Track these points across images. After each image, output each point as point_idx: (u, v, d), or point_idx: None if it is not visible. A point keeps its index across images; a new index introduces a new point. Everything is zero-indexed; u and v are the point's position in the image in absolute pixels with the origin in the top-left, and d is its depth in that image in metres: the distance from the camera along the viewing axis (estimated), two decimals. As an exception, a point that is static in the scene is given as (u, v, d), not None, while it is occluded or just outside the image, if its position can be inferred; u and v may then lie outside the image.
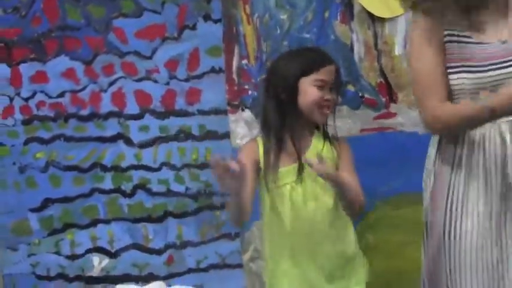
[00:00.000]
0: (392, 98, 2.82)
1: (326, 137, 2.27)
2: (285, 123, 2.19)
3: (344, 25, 2.80)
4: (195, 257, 2.91)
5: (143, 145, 2.86)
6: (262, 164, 2.20)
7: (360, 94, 2.84)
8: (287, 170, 2.21)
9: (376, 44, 2.82)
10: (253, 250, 2.86)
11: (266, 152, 2.19)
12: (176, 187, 2.88)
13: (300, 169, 2.18)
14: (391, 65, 2.82)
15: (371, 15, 2.80)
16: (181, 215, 2.91)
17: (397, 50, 2.81)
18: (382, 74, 2.83)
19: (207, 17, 2.78)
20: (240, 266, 2.88)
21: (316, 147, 2.22)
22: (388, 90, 2.83)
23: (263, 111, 2.26)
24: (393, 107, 2.84)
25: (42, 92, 2.82)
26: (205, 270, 2.90)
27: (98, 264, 2.88)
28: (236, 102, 2.85)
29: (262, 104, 2.28)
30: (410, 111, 2.79)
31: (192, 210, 2.90)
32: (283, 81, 2.19)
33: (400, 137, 2.83)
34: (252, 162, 2.18)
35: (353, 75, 2.83)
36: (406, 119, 2.81)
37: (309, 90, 2.17)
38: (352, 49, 2.83)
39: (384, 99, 2.83)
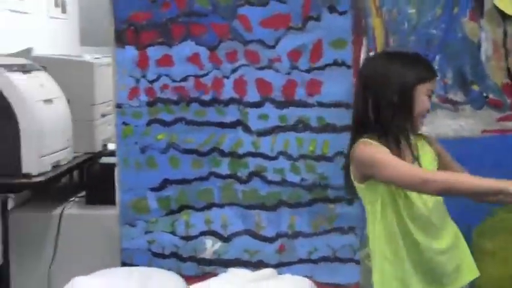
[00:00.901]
0: (517, 100, 2.72)
1: (423, 138, 2.36)
2: (401, 128, 2.21)
3: (473, 22, 2.72)
4: (306, 247, 2.91)
5: (261, 133, 2.89)
6: None
7: (485, 94, 2.76)
8: None
9: (504, 43, 2.73)
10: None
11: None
12: (291, 177, 2.90)
13: None
14: (520, 65, 2.72)
15: (502, 13, 2.70)
16: (294, 205, 2.90)
17: (528, 51, 2.69)
18: (509, 74, 2.73)
19: (332, 9, 2.76)
20: (351, 260, 2.85)
21: (422, 149, 2.31)
22: (515, 92, 2.72)
23: (374, 113, 2.24)
24: (518, 109, 2.72)
25: (167, 75, 2.89)
26: (315, 261, 2.90)
27: (211, 247, 2.93)
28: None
29: (366, 105, 2.27)
30: (536, 114, 2.68)
31: (306, 202, 2.90)
32: (399, 85, 2.19)
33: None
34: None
35: (478, 74, 2.77)
36: (530, 122, 2.70)
37: (422, 99, 2.21)
38: (479, 47, 2.73)
39: (509, 101, 2.73)
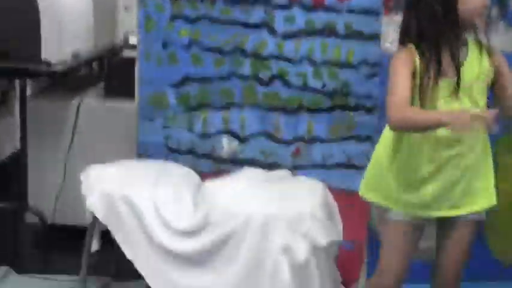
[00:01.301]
0: None
1: (481, 47, 2.16)
2: (443, 33, 2.09)
3: None
4: (322, 153, 2.91)
5: (286, 36, 2.86)
6: (418, 75, 2.10)
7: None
8: (443, 84, 2.11)
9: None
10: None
11: (424, 64, 2.10)
12: (313, 82, 2.89)
13: (458, 84, 2.10)
14: None
15: None
16: (314, 111, 2.89)
17: None
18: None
19: None
20: (365, 168, 2.84)
21: (473, 59, 2.15)
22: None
23: (416, 20, 2.14)
24: None
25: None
26: (329, 167, 2.92)
27: (227, 145, 2.92)
28: (391, 5, 2.77)
29: (412, 12, 2.16)
30: None
31: (326, 108, 2.88)
32: None
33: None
34: (409, 72, 2.10)
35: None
36: None
37: None
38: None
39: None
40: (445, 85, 2.11)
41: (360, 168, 2.81)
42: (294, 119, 2.91)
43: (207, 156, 2.98)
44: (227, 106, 2.94)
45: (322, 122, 2.91)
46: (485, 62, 2.16)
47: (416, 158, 2.16)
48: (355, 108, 2.86)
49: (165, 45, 2.90)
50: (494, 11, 2.68)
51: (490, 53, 2.16)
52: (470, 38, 2.16)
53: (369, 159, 2.69)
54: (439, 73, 2.09)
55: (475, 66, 2.15)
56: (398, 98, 2.05)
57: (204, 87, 2.93)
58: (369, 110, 2.83)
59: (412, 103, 2.09)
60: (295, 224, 2.50)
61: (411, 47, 2.11)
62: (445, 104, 2.11)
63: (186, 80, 2.94)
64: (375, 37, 2.79)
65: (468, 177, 2.19)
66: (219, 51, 2.89)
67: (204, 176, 2.85)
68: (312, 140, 2.92)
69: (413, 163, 2.18)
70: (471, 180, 2.20)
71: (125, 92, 3.12)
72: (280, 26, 2.84)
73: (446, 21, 2.08)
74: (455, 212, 2.21)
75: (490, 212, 2.27)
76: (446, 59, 2.10)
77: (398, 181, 2.22)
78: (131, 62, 3.03)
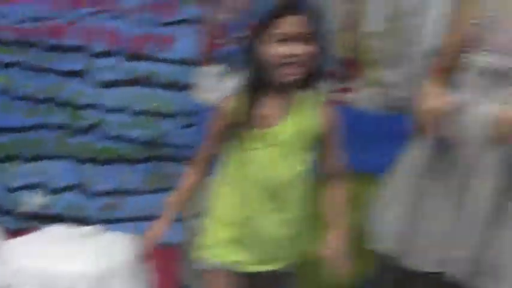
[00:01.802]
0: (356, 73, 2.86)
1: (309, 99, 2.06)
2: (259, 84, 2.00)
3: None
4: (136, 205, 2.83)
5: (105, 85, 2.80)
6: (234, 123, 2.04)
7: (328, 65, 2.83)
8: (260, 133, 2.03)
9: (350, 18, 2.86)
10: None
11: (243, 112, 2.02)
12: (131, 132, 2.83)
13: (269, 135, 2.02)
14: (362, 41, 2.84)
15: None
16: (130, 161, 2.85)
17: (369, 27, 2.84)
18: (352, 48, 2.85)
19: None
20: (178, 220, 2.74)
21: (296, 113, 2.04)
22: (354, 65, 2.86)
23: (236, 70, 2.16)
24: (356, 82, 2.87)
25: (7, 15, 2.75)
26: (143, 219, 2.79)
27: (36, 199, 2.75)
28: (209, 56, 2.82)
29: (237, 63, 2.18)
30: (372, 88, 2.85)
31: (142, 158, 2.83)
32: (249, 40, 1.99)
33: (354, 113, 2.82)
34: (220, 129, 2.07)
35: (324, 46, 2.81)
36: (366, 95, 2.85)
37: (270, 47, 1.93)
38: (327, 20, 2.83)
39: (345, 73, 2.85)
40: (259, 136, 2.03)
41: (177, 220, 2.68)
42: (109, 171, 2.78)
43: (13, 211, 2.75)
44: (38, 158, 2.78)
45: (137, 172, 2.81)
46: (310, 114, 2.08)
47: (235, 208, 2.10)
48: (172, 158, 2.78)
49: (-27, 92, 2.73)
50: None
51: (319, 109, 2.07)
52: (301, 90, 2.06)
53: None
54: (252, 123, 2.02)
55: (296, 121, 2.05)
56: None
57: (14, 137, 2.78)
58: (184, 161, 2.77)
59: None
60: (101, 282, 2.38)
61: (231, 96, 2.06)
62: (261, 154, 2.04)
63: (-6, 130, 2.73)
64: (192, 87, 2.79)
65: (284, 232, 2.11)
66: (33, 99, 2.76)
67: (9, 233, 2.60)
68: (127, 191, 2.80)
69: (232, 213, 2.10)
70: (287, 235, 2.12)
71: None
72: (98, 74, 2.78)
73: (254, 70, 2.01)
74: (265, 267, 2.13)
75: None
76: (265, 109, 2.02)
77: (216, 231, 2.11)
78: None
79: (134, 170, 2.79)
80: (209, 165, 2.15)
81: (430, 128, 2.17)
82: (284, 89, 2.00)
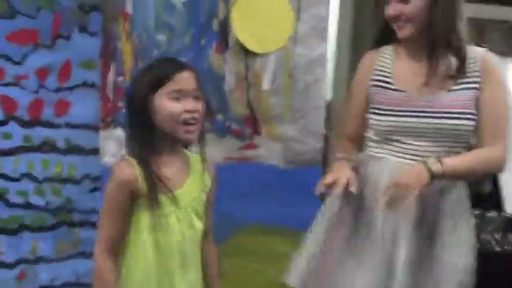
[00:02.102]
0: (256, 131, 2.90)
1: (203, 160, 2.06)
2: (150, 146, 1.95)
3: (218, 55, 2.88)
4: (49, 274, 2.82)
5: (4, 153, 2.76)
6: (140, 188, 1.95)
7: (228, 124, 2.90)
8: (169, 197, 1.99)
9: (246, 77, 2.92)
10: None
11: (146, 178, 1.95)
12: (35, 200, 2.80)
13: (179, 198, 2.00)
14: (259, 99, 2.92)
15: (245, 49, 2.89)
16: (38, 229, 2.81)
17: (265, 85, 2.91)
18: (250, 106, 2.91)
19: (83, 29, 2.77)
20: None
21: (193, 173, 2.07)
22: (254, 122, 2.90)
23: (128, 132, 2.02)
24: (257, 139, 2.91)
25: None
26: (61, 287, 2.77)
27: None
28: (109, 119, 2.84)
29: (126, 125, 2.04)
30: (272, 144, 2.88)
31: (50, 225, 2.81)
32: (137, 100, 1.93)
33: (260, 169, 2.91)
34: (125, 200, 1.97)
35: (222, 105, 2.90)
36: (267, 151, 2.90)
37: (163, 105, 1.92)
38: (223, 79, 2.89)
39: (249, 131, 2.90)
40: (170, 200, 1.98)
41: (90, 286, 2.72)
42: (17, 240, 2.77)
43: None
44: None
45: (47, 240, 2.81)
46: (204, 177, 2.08)
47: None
48: (80, 224, 2.81)
49: None
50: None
51: (207, 168, 2.09)
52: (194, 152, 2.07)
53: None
54: (157, 187, 1.96)
55: (196, 181, 2.07)
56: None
57: None
58: (94, 225, 2.79)
59: None
60: None
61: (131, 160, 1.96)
62: (173, 219, 2.03)
63: None
64: (95, 151, 2.80)
65: None
66: None
67: None
68: (38, 260, 2.80)
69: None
70: None
71: None
72: (-5, 142, 2.73)
73: (150, 133, 1.96)
74: None
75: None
76: (165, 170, 2.00)
77: None
78: None
79: (43, 237, 2.77)
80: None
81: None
82: (178, 148, 2.01)
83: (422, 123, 2.19)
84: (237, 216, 2.91)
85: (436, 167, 2.10)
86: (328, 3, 2.94)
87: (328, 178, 2.14)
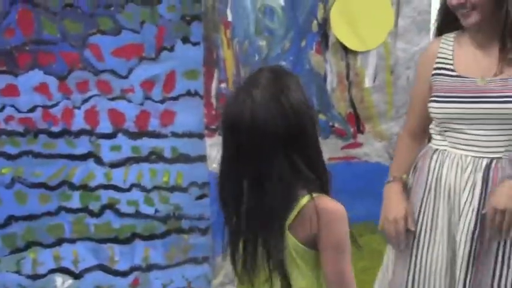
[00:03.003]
0: (359, 129, 2.87)
1: None
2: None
3: (319, 55, 2.85)
4: (161, 280, 2.86)
5: (114, 165, 2.82)
6: None
7: (330, 123, 2.87)
8: None
9: (348, 75, 2.88)
10: (224, 275, 2.82)
11: None
12: (145, 209, 2.85)
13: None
14: (361, 97, 2.88)
15: (345, 47, 2.85)
16: (148, 237, 2.85)
17: (367, 83, 2.87)
18: (352, 104, 2.88)
19: (185, 40, 2.78)
20: (207, 290, 2.83)
21: None
22: (357, 121, 2.87)
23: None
24: (360, 137, 2.87)
25: (12, 106, 2.75)
26: (172, 293, 2.84)
27: (61, 284, 2.81)
28: (213, 126, 2.84)
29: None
30: (376, 142, 2.84)
31: (160, 233, 2.85)
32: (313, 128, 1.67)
33: (364, 167, 2.86)
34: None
35: (325, 104, 2.87)
36: (371, 149, 2.86)
37: None
38: (325, 79, 2.86)
39: (352, 130, 2.87)
40: None
41: (201, 291, 2.78)
42: (129, 248, 2.84)
43: (41, 299, 2.79)
44: (58, 242, 2.83)
45: (157, 248, 2.86)
46: None
47: None
48: (189, 230, 2.84)
49: (-16, 186, 2.73)
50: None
51: None
52: None
53: (209, 281, 2.69)
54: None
55: None
56: None
57: (31, 225, 2.81)
58: (203, 232, 2.83)
59: None
60: None
61: None
62: None
63: (10, 219, 2.80)
64: (201, 158, 2.82)
65: None
66: (45, 186, 2.79)
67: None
68: (150, 267, 2.86)
69: None
70: None
71: None
72: (106, 155, 2.81)
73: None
74: None
75: None
76: None
77: None
78: None
79: (154, 245, 2.82)
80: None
81: (391, 238, 2.28)
82: None
83: (487, 108, 2.13)
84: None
85: None
86: (429, -5, 2.85)
87: (387, 226, 2.25)
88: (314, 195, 1.61)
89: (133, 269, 2.86)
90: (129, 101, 2.81)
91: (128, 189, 2.85)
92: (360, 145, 2.92)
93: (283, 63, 2.83)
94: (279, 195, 1.59)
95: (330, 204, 1.63)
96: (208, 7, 2.79)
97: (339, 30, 2.84)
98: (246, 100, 1.60)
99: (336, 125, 2.90)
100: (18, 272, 2.82)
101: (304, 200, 1.61)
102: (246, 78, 1.74)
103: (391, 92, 2.89)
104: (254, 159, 1.59)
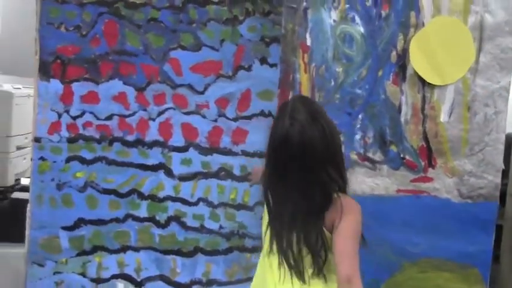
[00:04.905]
0: (431, 163, 2.83)
1: None
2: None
3: (395, 86, 2.83)
4: (222, 297, 2.86)
5: (183, 178, 2.86)
6: None
7: (402, 155, 2.85)
8: None
9: (423, 108, 2.85)
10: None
11: None
12: (210, 224, 2.89)
13: None
14: (435, 131, 2.84)
15: (422, 80, 2.83)
16: (211, 253, 2.89)
17: (443, 117, 2.83)
18: (425, 138, 2.85)
19: (263, 60, 2.81)
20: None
21: None
22: (429, 155, 2.83)
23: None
24: (431, 172, 2.84)
25: (91, 112, 2.83)
26: (229, 310, 2.85)
27: (121, 291, 2.84)
28: (265, 145, 2.84)
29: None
30: (447, 178, 2.79)
31: (223, 249, 2.87)
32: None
33: (433, 202, 2.83)
34: None
35: (397, 136, 2.85)
36: (441, 185, 2.82)
37: None
38: (399, 110, 2.84)
39: (423, 163, 2.83)
40: None
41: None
42: (191, 261, 2.88)
43: (103, 303, 2.85)
44: (123, 249, 2.88)
45: (219, 263, 2.89)
46: None
47: None
48: (252, 249, 2.86)
49: (59, 187, 2.86)
50: (378, 155, 2.83)
51: None
52: None
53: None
54: None
55: None
56: None
57: (98, 229, 2.88)
58: (266, 251, 2.83)
59: None
60: None
61: None
62: None
63: (80, 222, 2.88)
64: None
65: None
66: (115, 193, 2.85)
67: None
68: (210, 282, 2.89)
69: None
70: None
71: (14, 236, 2.99)
72: (176, 168, 2.86)
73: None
74: None
75: None
76: None
77: None
78: (22, 204, 2.93)
79: (216, 261, 2.85)
80: None
81: None
82: None
83: None
84: (406, 251, 2.86)
85: None
86: (514, 33, 2.80)
87: None
88: (340, 194, 2.14)
89: (193, 282, 2.90)
90: (203, 117, 2.86)
91: (195, 203, 2.89)
92: (430, 179, 2.88)
93: (358, 91, 2.81)
94: (322, 197, 2.12)
95: (350, 201, 2.15)
96: (288, 30, 2.80)
97: (418, 62, 2.82)
98: (294, 124, 2.08)
99: (407, 157, 2.86)
100: (83, 274, 2.89)
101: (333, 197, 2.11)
102: (281, 105, 2.23)
103: (467, 128, 2.85)
104: (302, 171, 2.08)
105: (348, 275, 2.01)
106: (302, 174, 2.09)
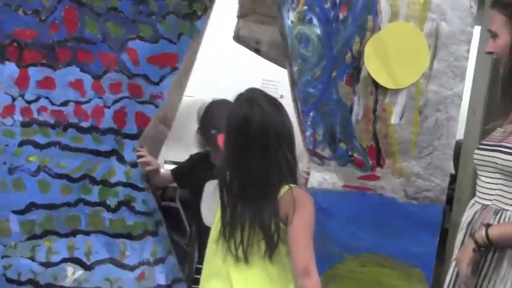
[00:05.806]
0: (379, 163, 2.89)
1: None
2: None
3: (348, 87, 2.88)
4: (165, 273, 2.96)
5: (134, 164, 2.90)
6: None
7: (350, 153, 2.91)
8: None
9: (375, 110, 2.90)
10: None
11: None
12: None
13: None
14: (385, 132, 2.90)
15: (375, 83, 2.87)
16: (156, 234, 2.97)
17: (394, 119, 2.89)
18: (375, 138, 2.90)
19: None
20: None
21: None
22: (377, 155, 2.90)
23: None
24: (378, 171, 2.92)
25: (46, 98, 2.84)
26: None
27: (72, 274, 2.89)
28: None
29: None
30: (394, 178, 2.86)
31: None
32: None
33: (378, 200, 2.91)
34: None
35: (347, 134, 2.91)
36: (388, 184, 2.89)
37: None
38: (351, 110, 2.89)
39: (371, 162, 2.89)
40: None
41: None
42: (140, 244, 2.93)
43: (49, 286, 2.90)
44: (73, 233, 2.92)
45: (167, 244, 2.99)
46: None
47: None
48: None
49: (11, 171, 2.86)
50: (326, 152, 2.93)
51: None
52: None
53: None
54: None
55: None
56: None
57: (50, 214, 2.90)
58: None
59: None
60: None
61: None
62: None
63: (31, 206, 2.88)
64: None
65: None
66: (68, 178, 2.88)
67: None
68: (156, 262, 2.95)
69: None
70: None
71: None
72: (129, 154, 2.90)
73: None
74: None
75: None
76: None
77: None
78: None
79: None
80: None
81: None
82: None
83: (483, 155, 2.43)
84: (349, 244, 2.93)
85: (479, 235, 2.26)
86: (469, 42, 2.84)
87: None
88: (292, 186, 2.24)
89: (141, 263, 2.97)
90: (156, 106, 2.90)
91: (144, 189, 2.94)
92: (377, 178, 2.94)
93: (311, 90, 2.85)
94: (278, 178, 2.23)
95: (303, 194, 2.28)
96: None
97: (372, 65, 2.86)
98: (254, 106, 2.22)
99: (356, 155, 2.93)
100: (32, 258, 2.91)
101: (285, 188, 2.23)
102: (237, 96, 2.32)
103: (417, 131, 2.91)
104: (260, 153, 2.19)
105: (305, 266, 2.13)
106: (260, 155, 2.19)
